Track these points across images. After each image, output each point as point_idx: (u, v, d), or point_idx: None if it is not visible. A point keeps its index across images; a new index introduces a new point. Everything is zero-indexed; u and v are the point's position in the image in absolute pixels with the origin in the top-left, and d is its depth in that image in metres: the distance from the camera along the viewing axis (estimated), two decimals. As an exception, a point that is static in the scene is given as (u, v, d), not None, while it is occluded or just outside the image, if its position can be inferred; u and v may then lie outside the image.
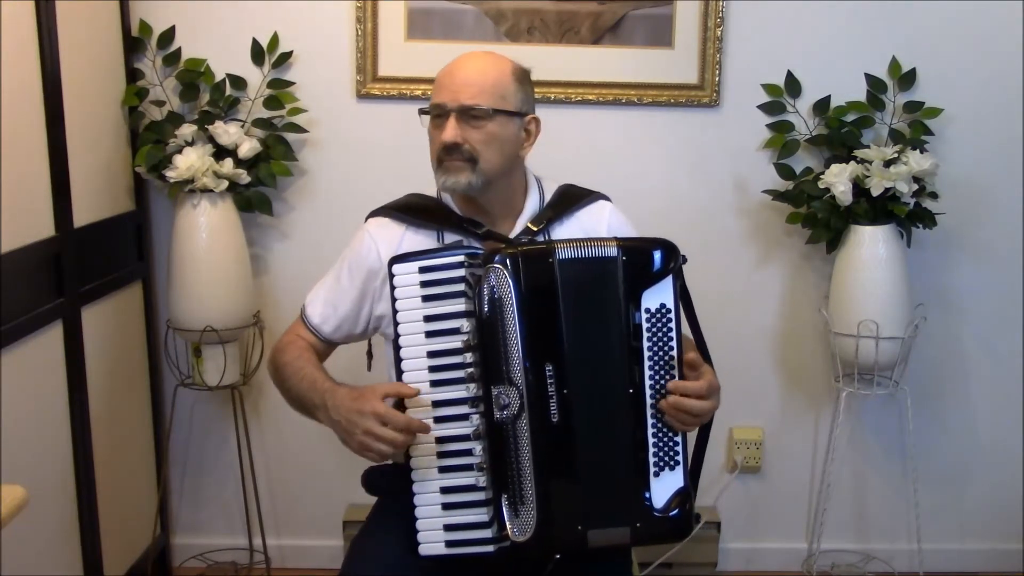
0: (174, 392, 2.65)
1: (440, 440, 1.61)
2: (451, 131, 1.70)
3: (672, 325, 1.62)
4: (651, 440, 1.62)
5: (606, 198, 1.92)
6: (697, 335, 1.73)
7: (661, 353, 1.62)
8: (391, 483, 1.79)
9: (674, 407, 1.60)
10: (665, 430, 1.63)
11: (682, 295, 1.66)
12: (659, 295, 1.62)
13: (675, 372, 1.62)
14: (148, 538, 2.70)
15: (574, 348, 1.60)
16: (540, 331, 1.59)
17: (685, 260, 1.66)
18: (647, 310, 1.62)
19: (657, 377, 1.62)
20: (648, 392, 1.62)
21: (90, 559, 2.32)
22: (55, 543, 2.21)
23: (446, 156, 1.72)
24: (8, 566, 1.93)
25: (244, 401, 2.71)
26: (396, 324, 1.64)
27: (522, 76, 1.79)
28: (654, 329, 1.62)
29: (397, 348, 1.64)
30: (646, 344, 1.62)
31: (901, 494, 2.88)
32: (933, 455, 2.89)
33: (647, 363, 1.62)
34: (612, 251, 1.62)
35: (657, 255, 1.63)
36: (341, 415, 1.62)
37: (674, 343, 1.62)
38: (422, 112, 1.78)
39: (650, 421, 1.62)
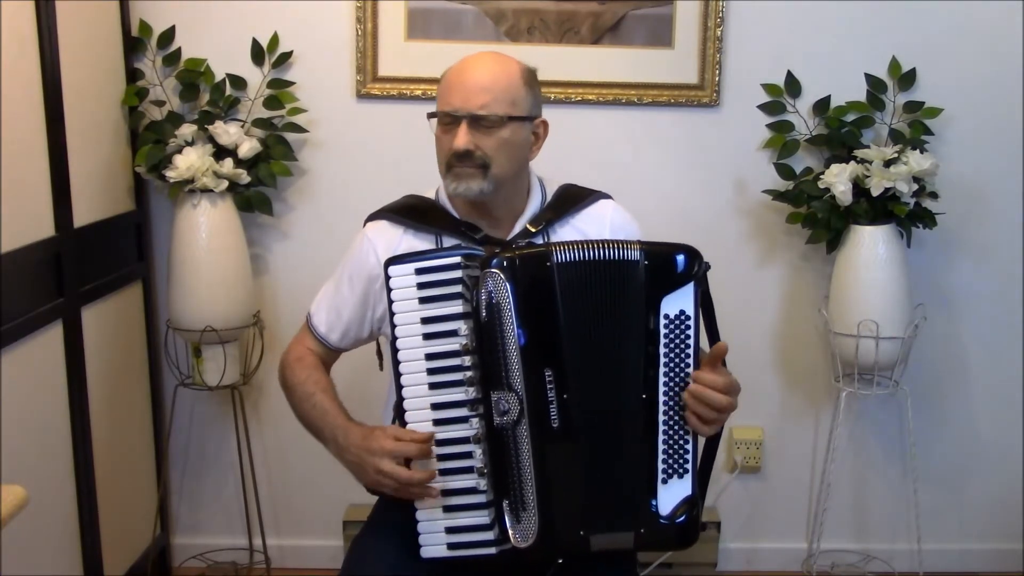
0: (174, 392, 2.65)
1: (439, 443, 1.60)
2: (463, 138, 1.67)
3: (691, 332, 1.58)
4: (661, 447, 1.59)
5: (608, 196, 1.89)
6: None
7: (677, 360, 1.59)
8: None
9: (695, 396, 1.56)
10: (676, 437, 1.60)
11: (704, 303, 1.61)
12: (679, 301, 1.58)
13: (690, 380, 1.58)
14: (148, 538, 2.70)
15: (576, 353, 1.57)
16: (539, 336, 1.56)
17: (708, 267, 1.62)
18: (666, 316, 1.58)
19: (672, 384, 1.59)
20: (662, 399, 1.59)
21: (90, 559, 2.32)
22: (55, 543, 2.21)
23: (457, 163, 1.69)
24: (8, 566, 1.93)
25: (244, 401, 2.71)
26: (393, 326, 1.62)
27: (530, 78, 1.76)
28: (671, 335, 1.58)
29: (395, 350, 1.62)
30: (662, 350, 1.58)
31: (901, 494, 2.88)
32: (933, 455, 2.89)
33: (662, 369, 1.58)
34: (634, 254, 1.58)
35: (680, 259, 1.59)
36: (353, 455, 1.64)
37: (691, 351, 1.59)
38: (431, 116, 1.76)
39: (662, 428, 1.59)
